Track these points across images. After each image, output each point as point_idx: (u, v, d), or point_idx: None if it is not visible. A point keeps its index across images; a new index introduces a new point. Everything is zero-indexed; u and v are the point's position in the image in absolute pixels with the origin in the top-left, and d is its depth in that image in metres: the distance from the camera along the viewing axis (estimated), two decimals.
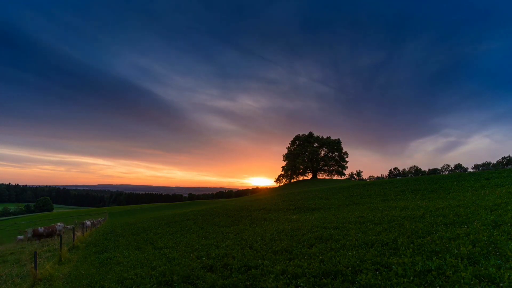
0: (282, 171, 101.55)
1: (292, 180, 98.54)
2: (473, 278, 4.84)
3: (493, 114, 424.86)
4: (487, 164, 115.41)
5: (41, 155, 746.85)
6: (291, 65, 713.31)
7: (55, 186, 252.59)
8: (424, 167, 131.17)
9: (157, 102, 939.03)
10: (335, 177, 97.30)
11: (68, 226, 28.87)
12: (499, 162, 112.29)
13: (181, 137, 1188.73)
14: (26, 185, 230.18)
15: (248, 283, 6.41)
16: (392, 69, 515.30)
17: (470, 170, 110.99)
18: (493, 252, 5.92)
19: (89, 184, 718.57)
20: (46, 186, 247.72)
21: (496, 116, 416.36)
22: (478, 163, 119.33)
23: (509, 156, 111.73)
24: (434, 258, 6.03)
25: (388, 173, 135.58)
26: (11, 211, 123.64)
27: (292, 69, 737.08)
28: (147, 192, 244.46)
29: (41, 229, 20.81)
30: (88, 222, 27.23)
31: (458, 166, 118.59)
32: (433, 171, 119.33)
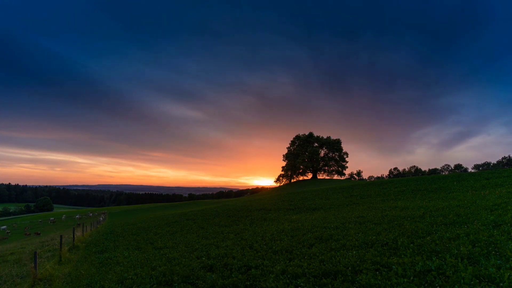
0: (282, 171, 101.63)
1: (292, 180, 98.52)
2: (473, 278, 4.84)
3: None
4: (487, 164, 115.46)
5: (6, 151, 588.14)
6: (237, 3, 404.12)
7: (55, 186, 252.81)
8: (425, 167, 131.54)
9: (75, 74, 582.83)
10: (335, 177, 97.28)
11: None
12: (499, 162, 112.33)
13: (138, 127, 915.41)
14: (26, 185, 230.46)
15: (248, 283, 6.41)
16: (381, 19, 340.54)
17: (470, 170, 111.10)
18: (493, 252, 5.92)
19: (89, 184, 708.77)
20: (46, 186, 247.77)
21: None
22: (478, 163, 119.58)
23: (509, 156, 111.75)
24: (434, 258, 6.03)
25: (388, 173, 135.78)
26: (11, 211, 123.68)
27: (239, 11, 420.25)
28: (147, 192, 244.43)
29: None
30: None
31: (458, 166, 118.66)
32: (433, 171, 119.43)
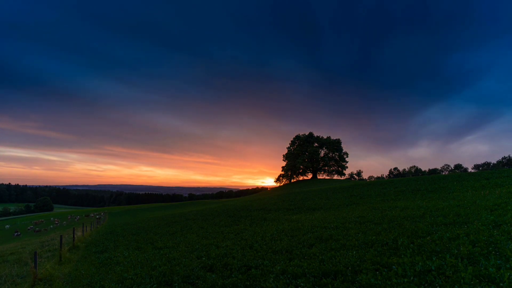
0: (282, 171, 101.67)
1: (292, 180, 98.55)
2: (473, 278, 4.84)
3: None
4: (487, 164, 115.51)
5: None
6: None
7: (55, 186, 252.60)
8: (425, 167, 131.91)
9: None
10: (335, 177, 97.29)
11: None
12: (499, 162, 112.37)
13: (66, 108, 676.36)
14: (26, 185, 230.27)
15: (248, 283, 6.41)
16: None
17: (470, 170, 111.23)
18: (493, 252, 5.91)
19: (89, 184, 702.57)
20: (46, 186, 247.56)
21: None
22: (478, 163, 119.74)
23: (509, 156, 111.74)
24: (434, 258, 6.03)
25: (388, 173, 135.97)
26: (11, 211, 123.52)
27: None
28: (147, 192, 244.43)
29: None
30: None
31: (458, 166, 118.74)
32: (433, 171, 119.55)
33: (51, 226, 40.31)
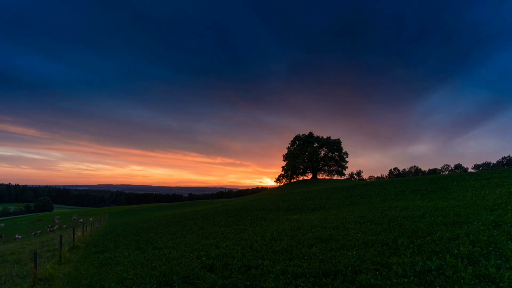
0: (282, 171, 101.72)
1: (292, 180, 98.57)
2: (473, 278, 4.84)
3: None
4: (487, 164, 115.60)
5: None
6: None
7: (55, 186, 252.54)
8: (425, 167, 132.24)
9: None
10: (335, 177, 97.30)
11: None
12: (499, 162, 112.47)
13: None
14: (26, 185, 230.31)
15: (248, 283, 6.41)
16: None
17: (470, 170, 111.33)
18: (493, 252, 5.91)
19: (89, 184, 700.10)
20: (46, 186, 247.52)
21: None
22: (478, 163, 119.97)
23: (509, 156, 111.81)
24: (434, 258, 6.03)
25: (388, 173, 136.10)
26: (11, 211, 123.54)
27: None
28: (147, 192, 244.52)
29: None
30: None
31: (458, 166, 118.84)
32: (433, 171, 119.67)
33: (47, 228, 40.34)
